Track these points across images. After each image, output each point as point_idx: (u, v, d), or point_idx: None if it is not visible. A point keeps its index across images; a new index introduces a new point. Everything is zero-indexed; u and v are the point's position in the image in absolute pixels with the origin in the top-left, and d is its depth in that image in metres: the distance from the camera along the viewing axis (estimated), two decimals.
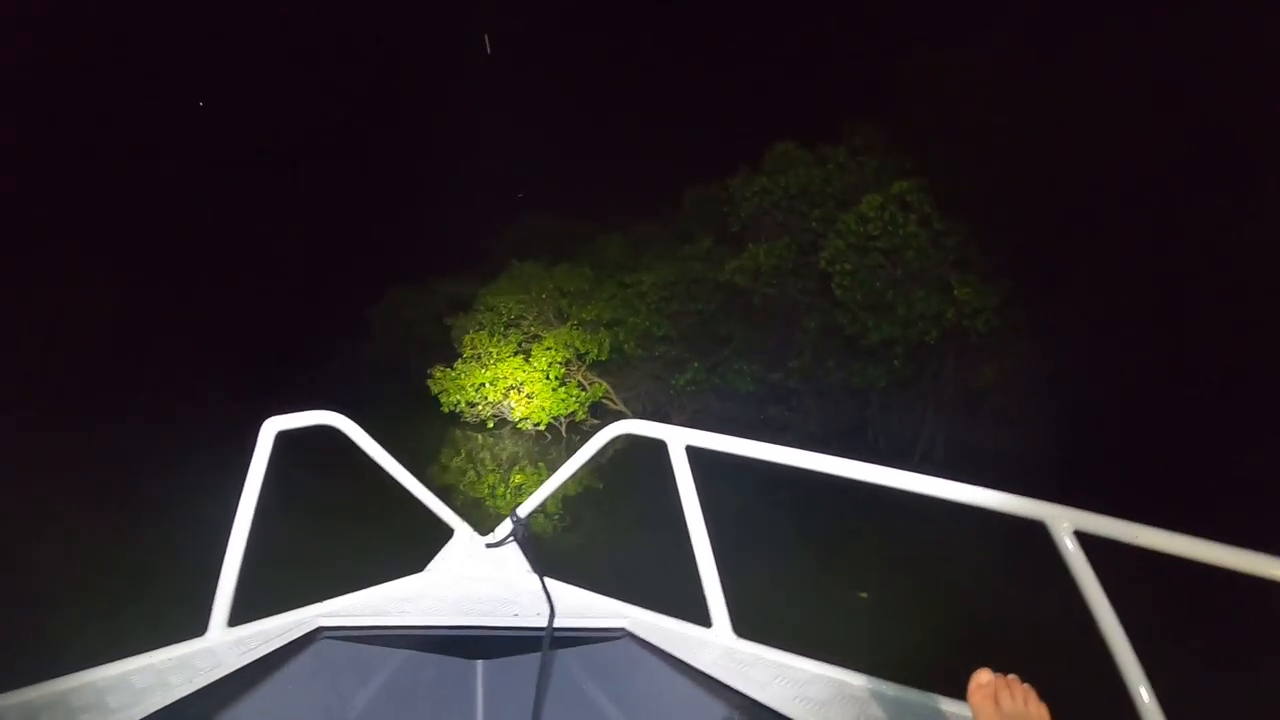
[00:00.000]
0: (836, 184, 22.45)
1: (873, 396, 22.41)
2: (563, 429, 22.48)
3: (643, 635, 2.77)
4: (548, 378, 22.42)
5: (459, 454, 20.27)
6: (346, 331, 31.26)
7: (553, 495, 3.20)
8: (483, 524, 3.35)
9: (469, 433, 22.40)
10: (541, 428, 21.81)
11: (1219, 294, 15.25)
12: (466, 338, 23.01)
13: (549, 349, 22.46)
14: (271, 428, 2.85)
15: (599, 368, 23.40)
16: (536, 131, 34.28)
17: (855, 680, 2.56)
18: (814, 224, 23.24)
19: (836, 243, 21.91)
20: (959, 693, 1.93)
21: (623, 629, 2.82)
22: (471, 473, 18.50)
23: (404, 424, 22.51)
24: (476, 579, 3.18)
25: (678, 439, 2.91)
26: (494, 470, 18.78)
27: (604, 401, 23.45)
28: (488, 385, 22.27)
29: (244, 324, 31.95)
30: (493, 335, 22.89)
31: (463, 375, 22.48)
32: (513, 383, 22.30)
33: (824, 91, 28.48)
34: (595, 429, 3.64)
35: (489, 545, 3.25)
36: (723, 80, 32.12)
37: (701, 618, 2.82)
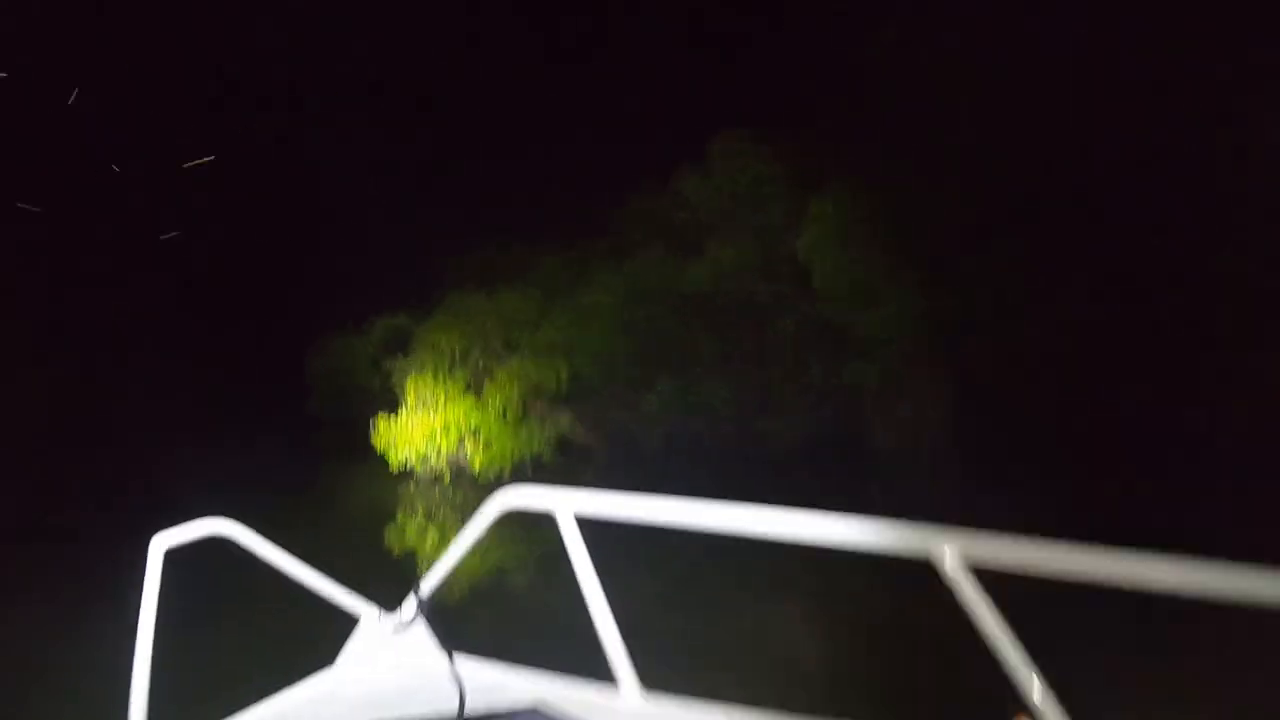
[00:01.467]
0: (801, 170, 20.59)
1: (866, 396, 20.62)
2: (529, 471, 20.32)
3: (553, 706, 2.77)
4: (504, 417, 20.30)
5: (416, 514, 18.12)
6: (283, 389, 28.79)
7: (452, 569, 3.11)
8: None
9: (425, 489, 20.17)
10: (506, 473, 19.62)
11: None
12: (409, 382, 20.80)
13: (502, 385, 20.33)
14: (159, 545, 2.84)
15: (560, 399, 21.34)
16: (459, 158, 31.98)
17: None
18: (779, 217, 21.44)
19: (813, 230, 20.17)
20: None
21: (533, 709, 2.79)
22: (434, 533, 16.41)
23: (353, 488, 20.32)
24: (387, 667, 3.10)
25: (565, 506, 2.84)
26: (458, 526, 16.70)
27: (569, 436, 21.37)
28: (439, 433, 20.07)
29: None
30: (437, 376, 20.72)
31: (410, 425, 20.23)
32: (467, 427, 20.15)
33: (756, 80, 26.56)
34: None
35: (396, 629, 3.13)
36: (641, 81, 29.96)
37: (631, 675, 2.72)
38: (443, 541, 16.20)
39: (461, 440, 20.11)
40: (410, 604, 3.18)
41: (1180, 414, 15.70)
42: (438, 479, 20.21)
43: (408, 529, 17.06)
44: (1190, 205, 16.18)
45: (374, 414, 20.92)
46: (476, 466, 19.72)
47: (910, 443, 20.10)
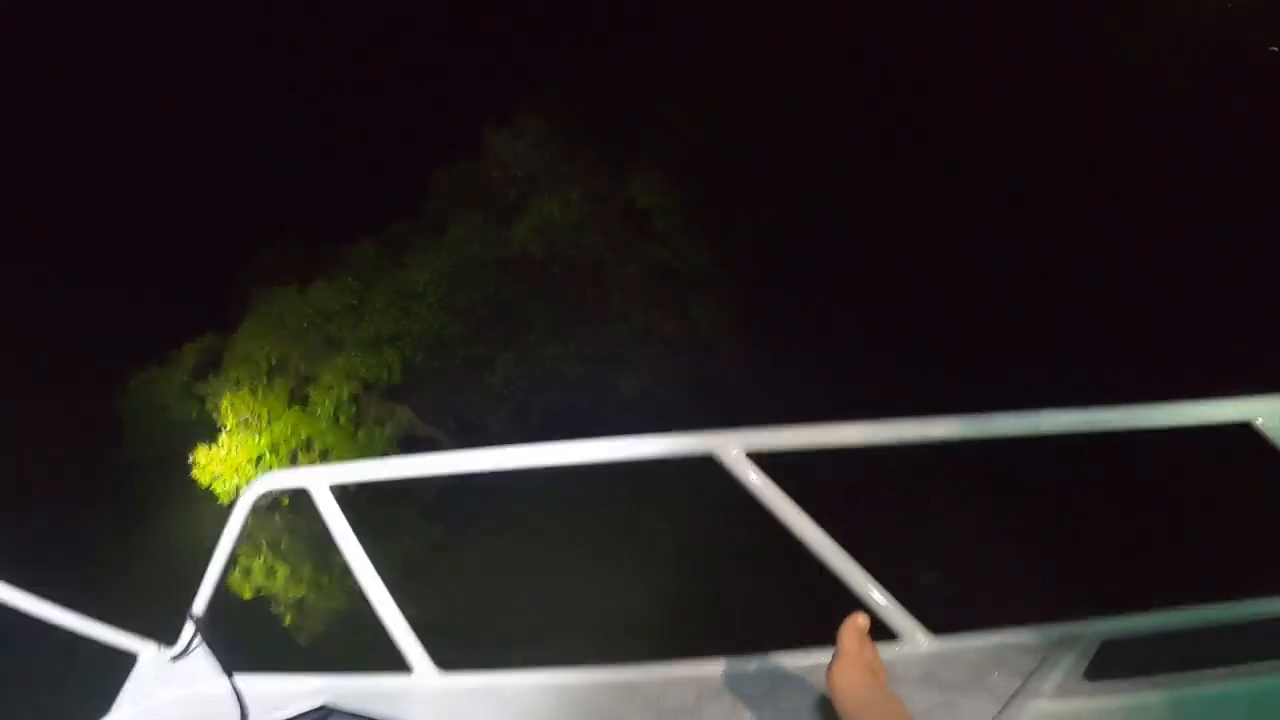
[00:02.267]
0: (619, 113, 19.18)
1: (721, 342, 19.36)
2: None
3: (345, 706, 2.68)
4: (338, 422, 18.31)
5: (260, 551, 16.07)
6: (90, 436, 25.81)
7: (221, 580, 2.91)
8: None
9: (263, 519, 18.02)
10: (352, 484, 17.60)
11: None
12: (224, 403, 18.56)
13: (329, 387, 18.32)
14: None
15: (395, 393, 19.43)
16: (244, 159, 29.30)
17: (579, 677, 2.55)
18: (607, 162, 19.93)
19: (652, 172, 18.79)
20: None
21: (323, 705, 2.69)
22: (283, 569, 14.48)
23: (176, 532, 18.01)
24: (167, 701, 2.92)
25: (320, 481, 2.80)
26: (311, 555, 14.92)
27: (411, 431, 19.48)
28: (268, 454, 17.95)
29: None
30: (256, 391, 18.56)
31: (233, 450, 18.04)
32: (298, 441, 18.09)
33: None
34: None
35: (174, 658, 2.95)
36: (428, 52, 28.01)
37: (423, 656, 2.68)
38: (295, 578, 14.39)
39: (295, 456, 18.05)
40: (189, 627, 2.99)
41: None
42: (276, 504, 18.06)
43: (253, 568, 15.05)
44: None
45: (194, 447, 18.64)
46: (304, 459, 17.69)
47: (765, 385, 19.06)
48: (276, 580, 16.39)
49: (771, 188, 19.37)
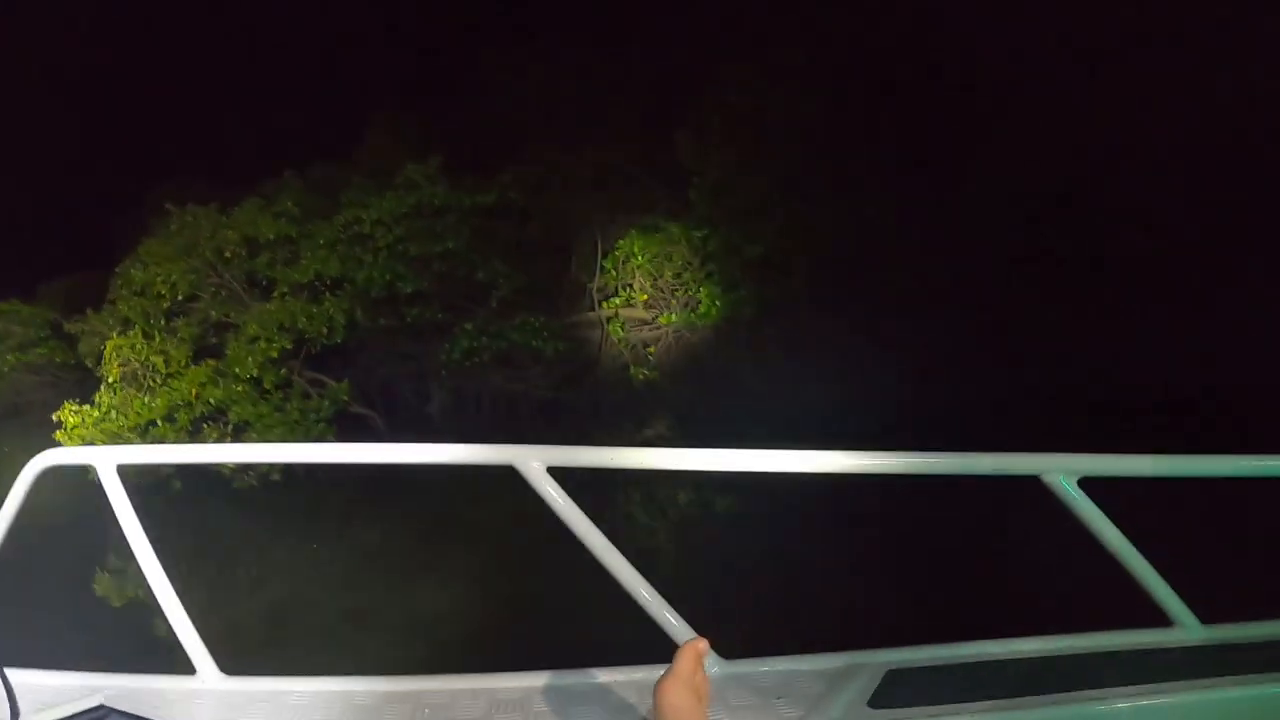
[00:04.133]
0: None
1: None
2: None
3: (123, 706, 2.47)
4: (261, 386, 13.69)
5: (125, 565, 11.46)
6: None
7: None
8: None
9: (157, 508, 13.28)
10: (277, 474, 12.92)
11: None
12: (108, 347, 13.69)
13: (254, 339, 13.63)
14: None
15: (323, 359, 14.92)
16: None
17: (368, 686, 2.51)
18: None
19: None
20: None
21: (100, 705, 2.47)
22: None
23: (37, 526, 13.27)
24: None
25: (107, 459, 2.62)
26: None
27: (349, 408, 14.93)
28: (161, 422, 13.22)
29: None
30: (152, 336, 13.76)
31: (114, 413, 13.21)
32: (205, 408, 13.39)
33: None
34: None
35: None
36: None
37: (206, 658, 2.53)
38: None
39: (200, 428, 13.36)
40: None
41: None
42: (165, 485, 13.31)
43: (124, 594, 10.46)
44: None
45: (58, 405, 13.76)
46: (230, 470, 12.94)
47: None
48: None
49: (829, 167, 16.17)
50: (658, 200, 17.55)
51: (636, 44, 18.60)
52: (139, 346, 13.50)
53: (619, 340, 17.93)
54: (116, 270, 14.54)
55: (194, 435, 13.35)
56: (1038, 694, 2.30)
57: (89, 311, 14.85)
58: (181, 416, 13.32)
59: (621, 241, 17.46)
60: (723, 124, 16.63)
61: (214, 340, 14.36)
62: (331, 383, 14.76)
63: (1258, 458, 2.60)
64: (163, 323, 14.09)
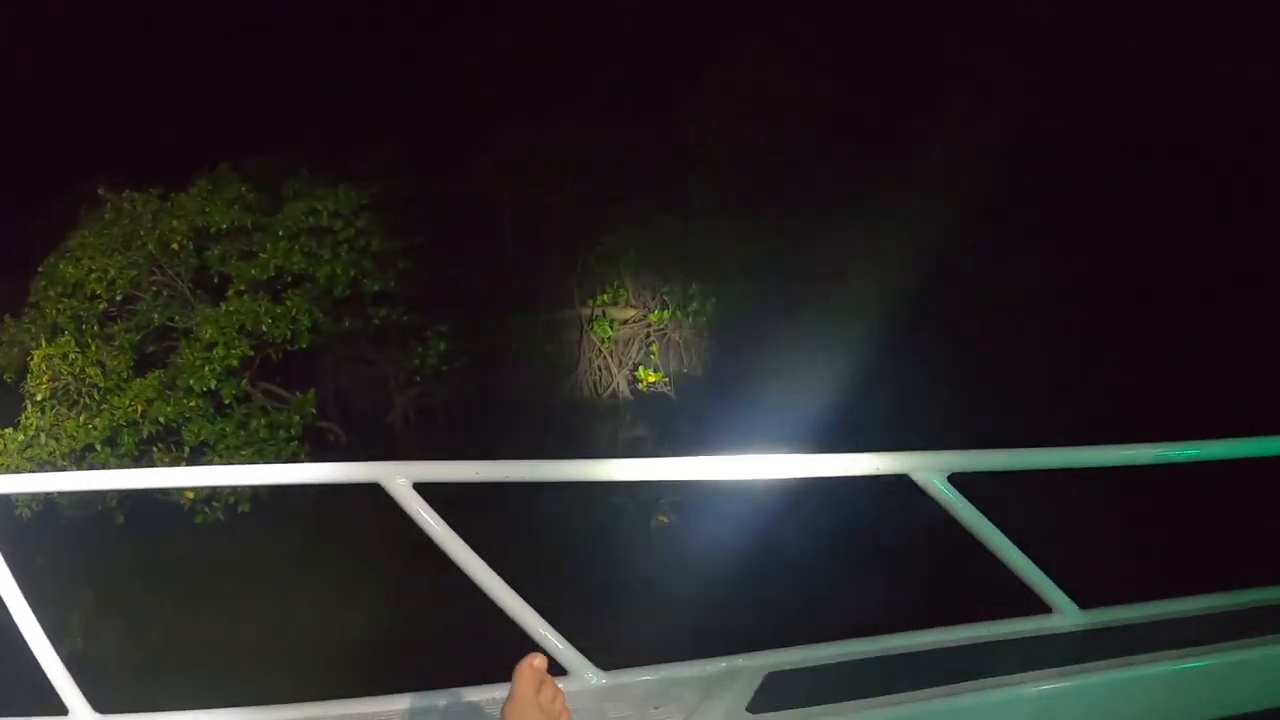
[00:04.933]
0: None
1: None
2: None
3: None
4: (218, 400, 11.72)
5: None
6: None
7: None
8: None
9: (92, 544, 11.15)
10: (245, 507, 10.88)
11: None
12: (36, 359, 11.45)
13: (210, 345, 11.63)
14: None
15: (278, 369, 12.99)
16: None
17: (244, 717, 2.51)
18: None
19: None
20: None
21: None
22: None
23: None
24: None
25: None
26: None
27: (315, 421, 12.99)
28: (101, 448, 11.16)
29: None
30: (85, 342, 11.66)
31: (45, 437, 11.07)
32: (153, 427, 11.37)
33: None
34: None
35: None
36: None
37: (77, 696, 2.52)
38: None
39: (149, 451, 11.33)
40: None
41: None
42: (104, 519, 11.22)
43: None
44: None
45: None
46: (188, 499, 10.91)
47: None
48: None
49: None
50: (647, 188, 15.97)
51: (618, 19, 16.95)
52: (73, 357, 11.40)
53: (604, 340, 16.30)
54: (40, 269, 12.33)
55: (141, 460, 11.32)
56: (918, 688, 2.28)
57: (5, 318, 12.62)
58: (126, 439, 11.28)
59: (608, 234, 15.83)
60: (732, 101, 15.09)
61: (153, 349, 12.31)
62: (287, 394, 12.82)
63: (1120, 447, 2.65)
64: (96, 328, 12.00)
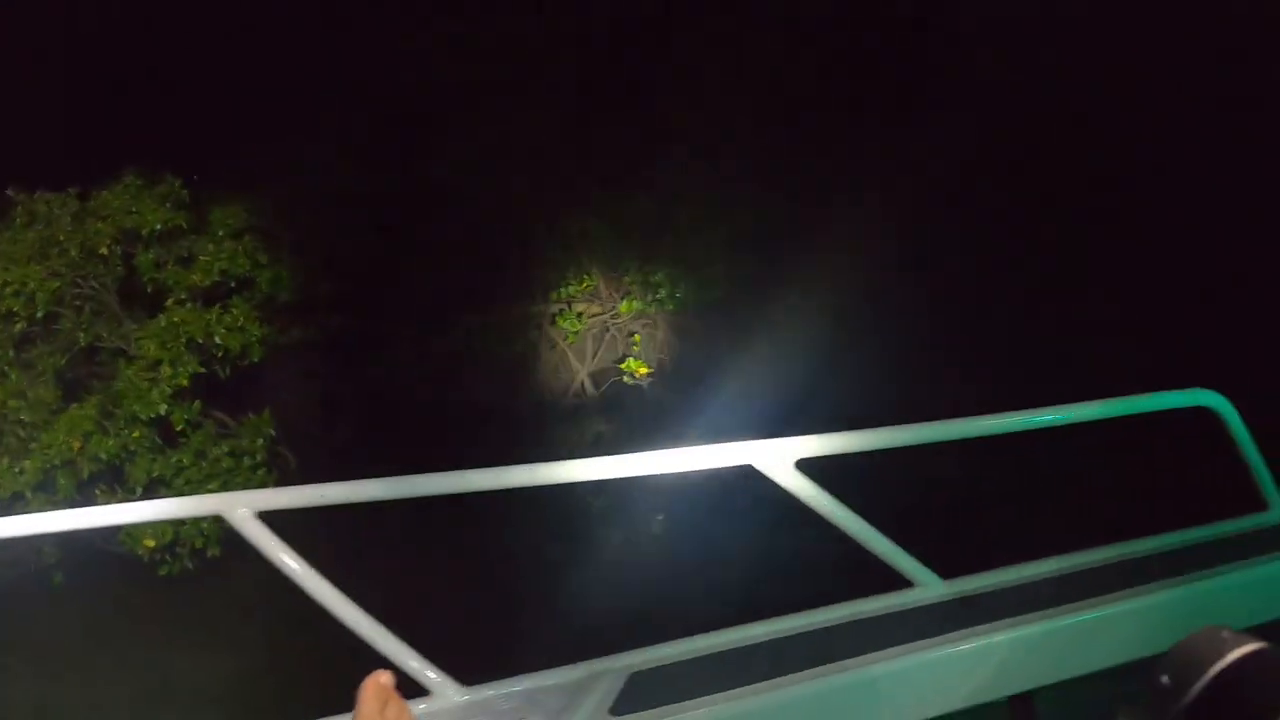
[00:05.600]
0: None
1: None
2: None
3: None
4: (166, 428, 10.05)
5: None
6: None
7: None
8: None
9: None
10: (214, 551, 9.20)
11: None
12: None
13: (154, 363, 9.93)
14: None
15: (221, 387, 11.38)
16: None
17: None
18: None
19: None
20: None
21: None
22: None
23: None
24: None
25: None
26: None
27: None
28: (31, 494, 9.38)
29: None
30: (5, 372, 9.85)
31: None
32: (93, 465, 9.64)
33: None
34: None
35: None
36: None
37: None
38: None
39: (91, 495, 9.61)
40: None
41: None
42: (41, 578, 9.48)
43: None
44: None
45: None
46: (143, 548, 9.21)
47: None
48: None
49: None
50: (610, 172, 14.66)
51: None
52: None
53: (571, 334, 14.99)
54: None
55: (81, 505, 9.61)
56: (785, 674, 2.28)
57: None
58: (62, 481, 9.54)
59: (571, 220, 14.51)
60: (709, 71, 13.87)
61: (73, 374, 10.53)
62: (230, 418, 11.18)
63: (963, 421, 2.71)
64: (12, 353, 10.18)
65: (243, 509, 2.26)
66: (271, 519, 2.28)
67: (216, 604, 9.16)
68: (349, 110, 14.45)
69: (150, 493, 9.73)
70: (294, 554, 2.26)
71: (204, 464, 9.88)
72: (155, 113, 12.92)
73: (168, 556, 9.28)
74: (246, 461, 10.22)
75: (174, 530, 9.25)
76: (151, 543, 9.08)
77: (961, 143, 12.93)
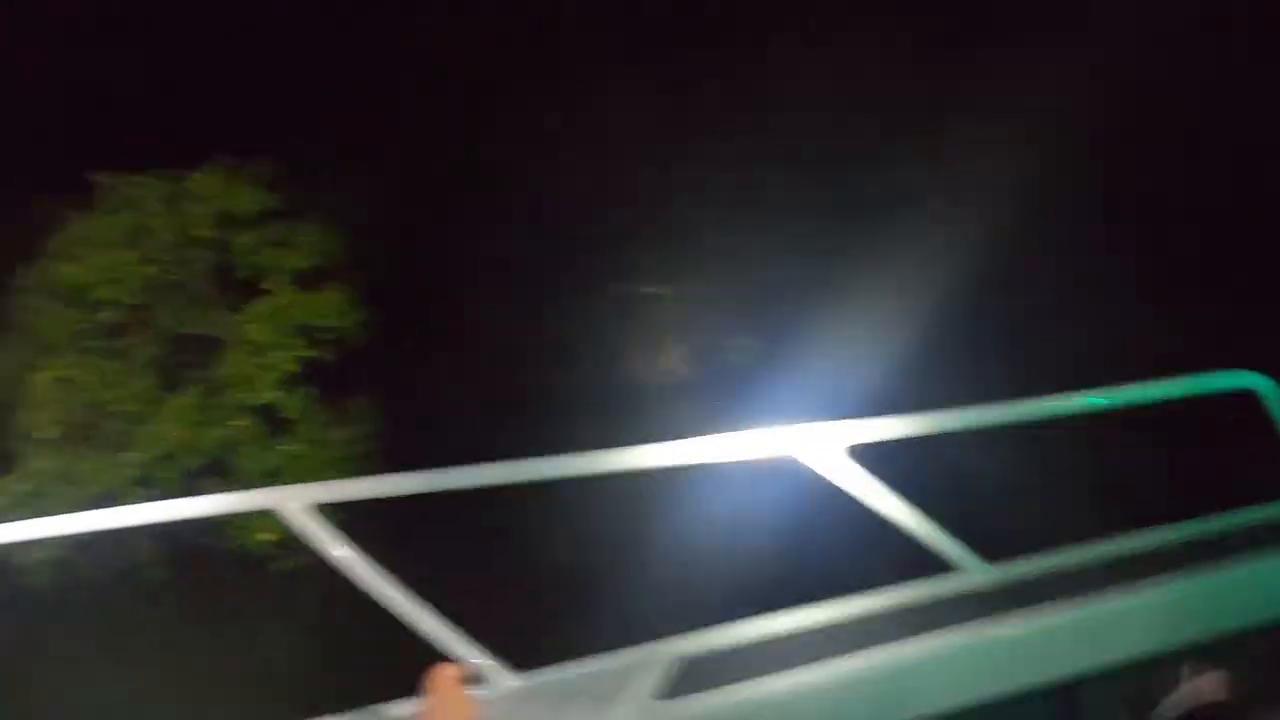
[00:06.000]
0: None
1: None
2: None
3: None
4: (272, 416, 9.36)
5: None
6: None
7: None
8: None
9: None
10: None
11: None
12: (37, 386, 8.82)
13: (264, 349, 9.23)
14: None
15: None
16: None
17: None
18: None
19: None
20: None
21: None
22: None
23: None
24: None
25: None
26: None
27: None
28: (131, 489, 8.69)
29: None
30: (95, 362, 9.16)
31: (60, 483, 8.48)
32: (199, 459, 8.93)
33: None
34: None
35: None
36: None
37: None
38: None
39: (195, 489, 8.88)
40: None
41: None
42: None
43: None
44: None
45: None
46: (257, 541, 8.44)
47: None
48: None
49: None
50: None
51: None
52: (84, 381, 8.86)
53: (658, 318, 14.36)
54: (23, 275, 9.75)
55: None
56: (830, 657, 2.29)
57: None
58: (165, 475, 8.80)
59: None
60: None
61: (186, 363, 9.82)
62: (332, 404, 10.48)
63: (1007, 405, 2.64)
64: (104, 343, 9.47)
65: (294, 503, 2.22)
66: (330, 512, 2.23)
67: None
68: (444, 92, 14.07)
69: (260, 485, 9.04)
70: (349, 546, 2.22)
71: (323, 452, 9.14)
72: (237, 99, 12.35)
73: (280, 551, 8.51)
74: (359, 449, 9.49)
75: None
76: (269, 535, 8.30)
77: None
